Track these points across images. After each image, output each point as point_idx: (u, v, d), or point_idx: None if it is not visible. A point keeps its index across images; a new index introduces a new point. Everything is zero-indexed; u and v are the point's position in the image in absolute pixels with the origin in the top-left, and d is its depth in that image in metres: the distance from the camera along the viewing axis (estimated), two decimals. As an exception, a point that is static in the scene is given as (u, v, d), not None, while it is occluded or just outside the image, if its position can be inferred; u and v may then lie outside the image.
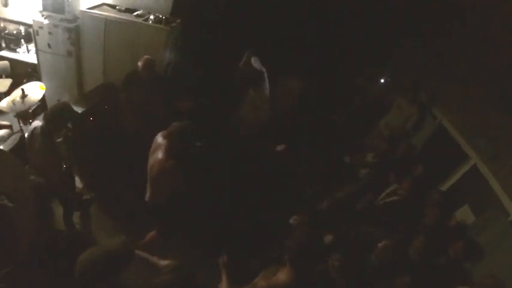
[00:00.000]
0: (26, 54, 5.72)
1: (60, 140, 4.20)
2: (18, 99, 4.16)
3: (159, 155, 3.63)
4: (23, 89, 4.16)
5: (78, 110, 4.76)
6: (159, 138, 3.77)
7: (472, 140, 4.25)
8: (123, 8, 5.14)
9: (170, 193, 3.84)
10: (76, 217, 4.56)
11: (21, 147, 4.28)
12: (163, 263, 2.93)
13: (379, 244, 3.67)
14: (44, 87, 4.43)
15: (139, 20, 4.93)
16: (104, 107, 5.13)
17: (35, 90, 4.33)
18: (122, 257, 2.60)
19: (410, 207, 4.38)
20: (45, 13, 4.95)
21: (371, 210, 4.60)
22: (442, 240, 4.02)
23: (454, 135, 4.46)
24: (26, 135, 4.22)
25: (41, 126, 3.79)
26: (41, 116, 4.57)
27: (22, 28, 5.71)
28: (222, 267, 3.11)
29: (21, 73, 5.52)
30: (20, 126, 4.50)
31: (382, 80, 5.26)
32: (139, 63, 4.70)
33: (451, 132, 4.49)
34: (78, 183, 4.84)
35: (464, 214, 4.30)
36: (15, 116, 4.51)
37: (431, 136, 4.89)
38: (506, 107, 3.86)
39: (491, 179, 3.99)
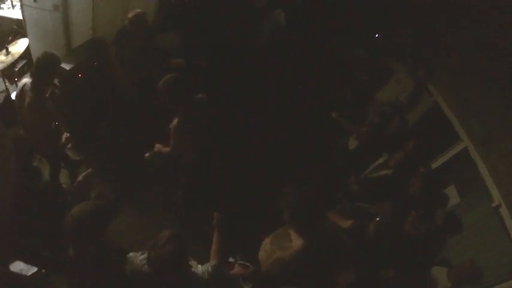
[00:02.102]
0: (11, 10, 5.39)
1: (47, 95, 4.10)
2: (2, 57, 3.99)
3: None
4: (6, 47, 3.98)
5: (66, 66, 4.62)
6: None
7: (466, 122, 4.23)
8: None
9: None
10: (64, 177, 4.56)
11: (6, 107, 4.19)
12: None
13: (372, 223, 3.74)
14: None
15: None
16: (93, 63, 4.96)
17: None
18: (107, 212, 2.72)
19: (400, 182, 4.43)
20: (29, -36, 4.60)
21: (362, 184, 4.64)
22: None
23: (448, 115, 4.41)
24: (12, 95, 4.11)
25: (31, 81, 3.74)
26: (28, 74, 4.43)
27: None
28: (216, 226, 3.08)
29: (5, 30, 5.23)
30: (6, 86, 4.35)
31: (382, 51, 5.08)
32: (130, 17, 4.48)
33: (446, 112, 4.43)
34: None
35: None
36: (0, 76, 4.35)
37: (425, 113, 4.84)
38: (502, 93, 3.79)
39: (480, 163, 4.02)
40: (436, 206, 4.26)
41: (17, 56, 4.20)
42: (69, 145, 4.70)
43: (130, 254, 2.79)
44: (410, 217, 3.88)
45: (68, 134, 4.01)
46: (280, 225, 3.18)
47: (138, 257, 2.73)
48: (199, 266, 2.89)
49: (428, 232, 3.93)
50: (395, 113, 4.80)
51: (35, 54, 4.83)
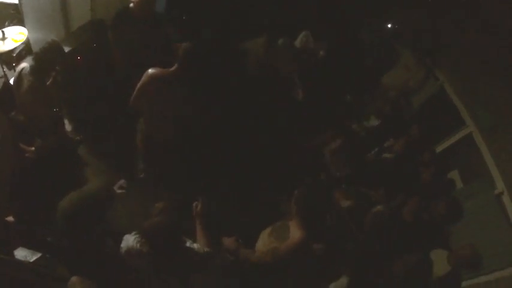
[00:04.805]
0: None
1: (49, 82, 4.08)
2: (-1, 42, 3.95)
3: (171, 87, 3.47)
4: (3, 31, 3.93)
5: (65, 49, 4.55)
6: (155, 73, 3.51)
7: (472, 108, 4.16)
8: None
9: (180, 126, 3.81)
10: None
11: (5, 92, 4.15)
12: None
13: (373, 209, 3.73)
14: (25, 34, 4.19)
15: None
16: (92, 46, 4.88)
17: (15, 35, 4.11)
18: (100, 199, 2.67)
19: (404, 166, 4.42)
20: None
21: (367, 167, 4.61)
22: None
23: (454, 100, 4.33)
24: (10, 80, 4.09)
25: (31, 66, 3.71)
26: (27, 59, 4.38)
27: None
28: (197, 216, 3.01)
29: (2, 15, 5.11)
30: (4, 71, 4.31)
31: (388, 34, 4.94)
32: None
33: (452, 97, 4.35)
34: (67, 125, 4.78)
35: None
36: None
37: (430, 97, 4.76)
38: (509, 80, 3.70)
39: (485, 149, 3.97)
40: (440, 192, 4.26)
41: (16, 43, 4.15)
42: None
43: (126, 235, 2.76)
44: (412, 203, 3.89)
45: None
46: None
47: (132, 236, 2.69)
48: (196, 244, 2.84)
49: (430, 219, 3.93)
50: (402, 96, 4.78)
51: (33, 38, 4.76)
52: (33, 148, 3.76)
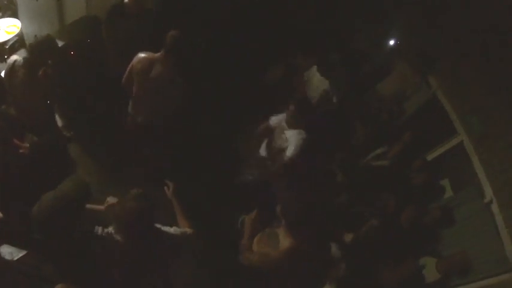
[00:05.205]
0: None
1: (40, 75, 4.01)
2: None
3: (157, 68, 3.63)
4: (-5, 22, 3.86)
5: (58, 43, 4.49)
6: (145, 56, 3.70)
7: (463, 116, 4.19)
8: None
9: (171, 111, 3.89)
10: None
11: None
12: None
13: (367, 223, 3.76)
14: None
15: None
16: (85, 41, 4.82)
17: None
18: (76, 198, 2.57)
19: (397, 173, 4.47)
20: None
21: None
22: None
23: (446, 108, 4.36)
24: (2, 73, 4.01)
25: (24, 58, 3.66)
26: (20, 51, 4.32)
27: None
28: (172, 198, 3.04)
29: None
30: (-5, 64, 4.24)
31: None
32: None
33: (444, 105, 4.39)
34: (58, 121, 4.71)
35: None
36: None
37: (423, 104, 4.79)
38: (503, 91, 3.75)
39: (475, 158, 4.00)
40: (431, 199, 4.30)
41: (9, 35, 4.10)
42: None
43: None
44: (407, 213, 3.91)
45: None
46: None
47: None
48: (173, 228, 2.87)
49: (424, 225, 3.96)
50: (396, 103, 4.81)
51: (27, 30, 4.69)
52: (27, 145, 3.67)
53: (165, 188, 3.09)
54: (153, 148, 4.48)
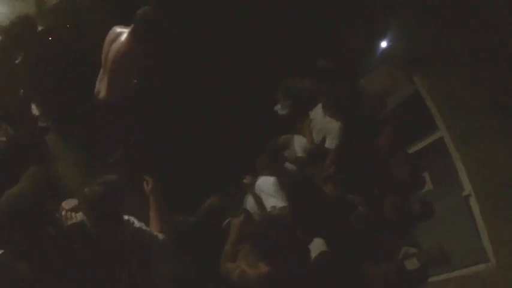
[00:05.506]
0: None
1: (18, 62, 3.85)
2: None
3: (121, 39, 3.53)
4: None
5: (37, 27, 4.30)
6: (118, 28, 3.64)
7: (444, 112, 4.31)
8: None
9: (131, 89, 3.80)
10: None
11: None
12: None
13: (354, 212, 3.82)
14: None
15: None
16: (65, 26, 4.63)
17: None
18: (34, 199, 2.42)
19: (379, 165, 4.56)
20: None
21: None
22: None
23: (429, 104, 4.48)
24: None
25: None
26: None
27: None
28: (150, 194, 3.00)
29: None
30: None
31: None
32: None
33: (427, 102, 4.51)
34: (35, 110, 4.51)
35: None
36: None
37: (406, 99, 4.90)
38: (483, 86, 3.90)
39: (455, 153, 4.14)
40: (412, 190, 4.44)
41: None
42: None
43: None
44: (389, 201, 4.02)
45: None
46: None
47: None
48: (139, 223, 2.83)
49: (405, 217, 4.09)
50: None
51: (2, 11, 4.45)
52: (3, 138, 3.49)
53: (144, 183, 3.03)
54: (122, 132, 4.37)
